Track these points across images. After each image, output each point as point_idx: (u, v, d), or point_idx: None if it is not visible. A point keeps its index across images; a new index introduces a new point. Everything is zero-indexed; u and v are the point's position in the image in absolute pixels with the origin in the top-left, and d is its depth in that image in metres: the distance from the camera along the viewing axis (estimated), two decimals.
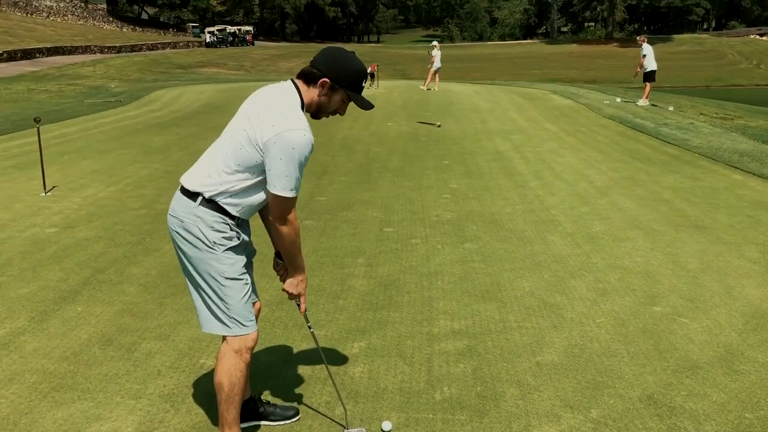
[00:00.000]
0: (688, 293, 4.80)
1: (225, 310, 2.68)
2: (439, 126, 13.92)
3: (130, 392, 3.42)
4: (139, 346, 3.94)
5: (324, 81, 2.63)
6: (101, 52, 46.35)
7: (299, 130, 2.50)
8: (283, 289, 2.84)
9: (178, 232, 2.67)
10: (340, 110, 2.75)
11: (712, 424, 3.16)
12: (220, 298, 2.68)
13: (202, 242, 2.63)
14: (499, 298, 4.72)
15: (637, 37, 18.56)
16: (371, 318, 4.37)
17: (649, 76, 17.62)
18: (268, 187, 2.56)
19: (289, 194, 2.55)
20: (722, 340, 4.06)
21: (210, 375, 3.58)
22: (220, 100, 19.92)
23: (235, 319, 2.69)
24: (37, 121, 7.80)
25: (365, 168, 9.62)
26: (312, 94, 2.66)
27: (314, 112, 2.73)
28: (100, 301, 4.62)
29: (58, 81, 26.91)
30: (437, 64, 22.94)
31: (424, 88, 23.14)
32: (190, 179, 2.69)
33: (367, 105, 2.72)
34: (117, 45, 49.77)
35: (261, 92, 2.72)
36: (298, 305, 2.91)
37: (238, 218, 2.71)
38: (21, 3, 56.90)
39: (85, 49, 45.11)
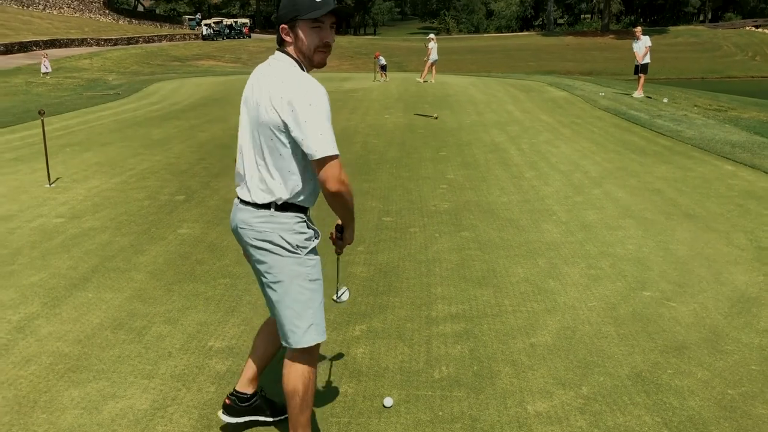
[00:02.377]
0: (677, 279, 4.98)
1: (310, 316, 2.57)
2: (436, 118, 14.06)
3: (142, 372, 3.59)
4: (150, 330, 4.10)
5: (282, 27, 2.47)
6: (98, 44, 46.33)
7: (309, 84, 2.36)
8: (341, 246, 2.83)
9: (254, 245, 2.55)
10: (324, 39, 2.47)
11: (696, 400, 3.33)
12: (305, 304, 2.56)
13: (284, 249, 2.51)
14: (494, 283, 4.90)
15: (635, 29, 18.69)
16: (372, 302, 4.54)
17: (643, 69, 17.81)
18: (309, 157, 2.37)
19: (333, 151, 2.35)
20: (708, 322, 4.24)
21: (219, 355, 3.76)
22: (218, 92, 20.04)
23: (317, 325, 2.60)
24: (41, 113, 7.93)
25: (363, 159, 9.78)
26: (291, 49, 2.49)
27: (309, 61, 2.51)
28: (109, 288, 4.78)
29: (55, 74, 26.95)
30: (434, 56, 23.09)
31: (421, 80, 23.27)
32: (252, 193, 2.53)
33: (331, 6, 2.42)
34: (113, 37, 49.74)
35: (261, 77, 2.52)
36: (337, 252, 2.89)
37: (309, 208, 2.62)
38: None
39: (82, 42, 45.10)
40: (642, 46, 17.59)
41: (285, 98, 2.35)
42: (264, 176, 2.49)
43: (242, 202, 2.57)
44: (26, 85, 22.56)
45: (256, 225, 2.51)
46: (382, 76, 24.59)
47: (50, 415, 3.17)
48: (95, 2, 64.40)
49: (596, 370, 3.63)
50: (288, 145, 2.41)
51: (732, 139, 11.22)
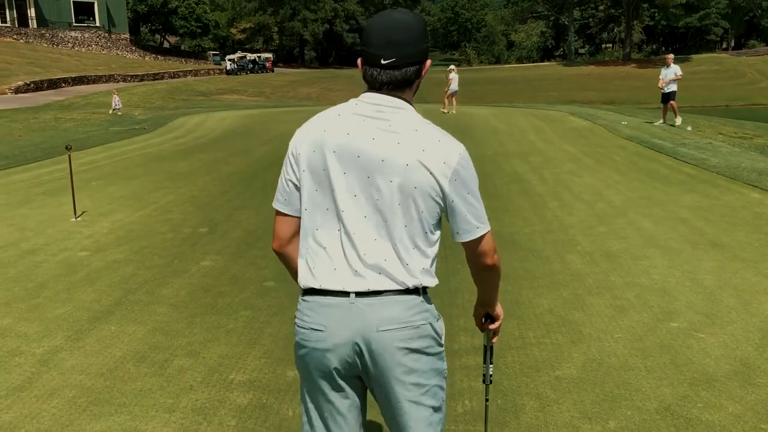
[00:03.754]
0: (704, 309, 4.88)
1: (440, 423, 2.06)
2: None
3: (164, 406, 3.58)
4: (171, 363, 4.10)
5: (427, 63, 1.99)
6: (124, 80, 47.32)
7: (461, 145, 1.95)
8: (490, 329, 2.30)
9: (405, 347, 1.91)
10: None
11: None
12: (440, 408, 2.04)
13: (437, 342, 1.99)
14: (518, 315, 4.84)
15: (666, 56, 18.61)
16: None
17: (670, 97, 17.65)
18: (465, 233, 1.94)
19: (488, 226, 1.98)
20: (738, 354, 4.14)
21: (241, 388, 3.74)
22: (242, 126, 20.29)
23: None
24: (68, 149, 8.08)
25: None
26: (411, 92, 2.00)
27: None
28: (132, 321, 4.80)
29: (83, 109, 27.53)
30: (454, 87, 23.22)
31: (445, 111, 23.37)
32: (394, 276, 1.91)
33: None
34: (139, 73, 50.78)
35: (383, 128, 1.90)
36: (491, 339, 2.36)
37: None
38: (47, 35, 58.36)
39: (109, 78, 46.10)
40: (671, 73, 17.46)
41: (448, 161, 1.88)
42: (403, 254, 1.91)
43: (371, 293, 1.90)
44: (55, 120, 23.04)
45: (412, 320, 1.91)
46: None
47: None
48: (122, 40, 65.91)
49: (623, 403, 3.55)
50: (437, 216, 1.95)
51: (758, 166, 11.07)
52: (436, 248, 1.98)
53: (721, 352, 4.17)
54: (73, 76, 42.68)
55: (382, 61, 1.89)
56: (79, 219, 7.99)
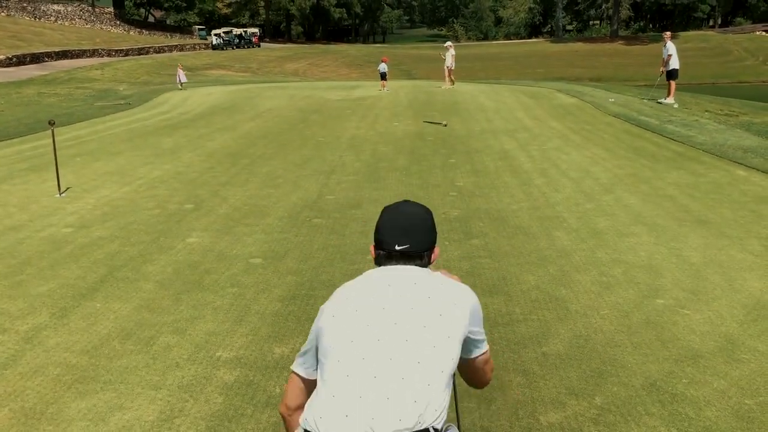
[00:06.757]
0: (690, 286, 4.91)
1: None
2: (446, 125, 14.02)
3: (150, 383, 3.56)
4: (157, 340, 4.08)
5: (437, 251, 2.12)
6: (109, 55, 46.66)
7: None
8: None
9: None
10: None
11: (713, 410, 3.27)
12: None
13: None
14: (505, 291, 4.84)
15: (664, 34, 18.53)
16: None
17: (672, 74, 17.56)
18: (475, 353, 2.07)
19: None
20: (723, 330, 4.17)
21: (227, 366, 3.73)
22: (227, 101, 20.09)
23: None
24: (51, 123, 7.96)
25: (373, 167, 9.75)
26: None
27: None
28: (117, 298, 4.76)
29: (67, 84, 27.14)
30: (448, 62, 23.24)
31: (452, 86, 23.26)
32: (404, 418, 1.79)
33: None
34: (124, 48, 50.07)
35: (401, 283, 1.97)
36: None
37: None
38: (29, 7, 57.31)
39: (93, 53, 45.43)
40: (665, 52, 17.37)
41: (470, 304, 2.00)
42: (424, 391, 1.85)
43: None
44: (38, 95, 22.71)
45: None
46: (382, 85, 23.22)
47: (56, 427, 3.15)
48: (106, 13, 64.90)
49: (610, 379, 3.57)
50: (457, 353, 1.96)
51: (744, 144, 11.11)
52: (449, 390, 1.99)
53: (706, 328, 4.20)
54: (57, 50, 41.98)
55: (397, 247, 2.00)
56: (63, 195, 7.90)
